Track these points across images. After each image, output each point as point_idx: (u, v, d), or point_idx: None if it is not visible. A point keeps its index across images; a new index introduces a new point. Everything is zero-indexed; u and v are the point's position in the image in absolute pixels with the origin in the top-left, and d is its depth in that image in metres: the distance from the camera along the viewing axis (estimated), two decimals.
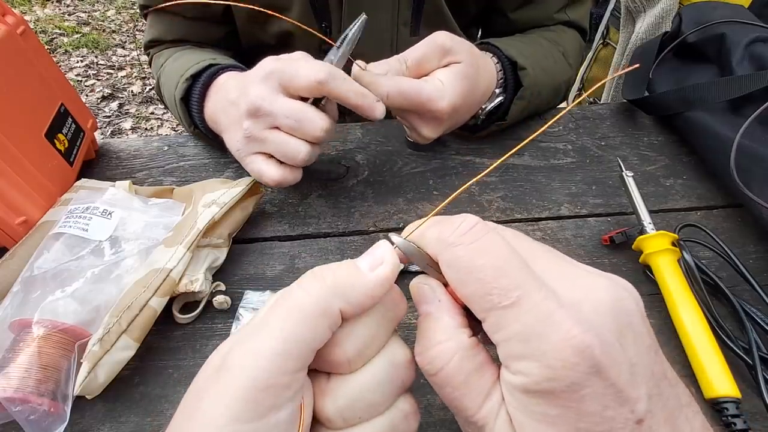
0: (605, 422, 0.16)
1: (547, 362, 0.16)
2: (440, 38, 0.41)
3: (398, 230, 0.45)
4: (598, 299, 0.17)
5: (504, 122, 0.50)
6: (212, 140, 0.50)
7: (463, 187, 0.25)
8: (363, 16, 0.40)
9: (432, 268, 0.20)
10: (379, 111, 0.39)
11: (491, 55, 0.49)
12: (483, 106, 0.48)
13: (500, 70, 0.49)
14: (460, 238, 0.19)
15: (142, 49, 0.64)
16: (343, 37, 0.40)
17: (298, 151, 0.39)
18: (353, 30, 0.40)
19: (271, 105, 0.38)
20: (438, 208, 0.23)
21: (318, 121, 0.38)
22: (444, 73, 0.41)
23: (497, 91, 0.48)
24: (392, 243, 0.21)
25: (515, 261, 0.18)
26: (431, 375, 0.19)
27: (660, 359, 0.18)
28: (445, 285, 0.21)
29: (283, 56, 0.40)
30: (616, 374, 0.16)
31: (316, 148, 0.40)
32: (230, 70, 0.47)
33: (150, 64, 0.63)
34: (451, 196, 0.23)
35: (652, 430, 0.16)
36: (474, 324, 0.20)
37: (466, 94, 0.42)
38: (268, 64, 0.39)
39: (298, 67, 0.38)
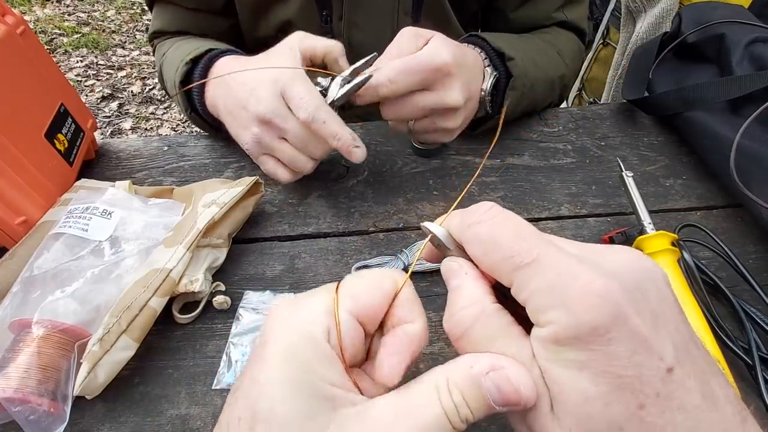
0: (634, 367, 0.16)
1: (571, 307, 0.17)
2: (407, 30, 0.42)
3: (399, 230, 0.45)
4: (618, 259, 0.18)
5: (501, 112, 0.48)
6: (210, 125, 0.50)
7: (467, 184, 0.25)
8: (374, 54, 0.41)
9: (460, 250, 0.22)
10: (355, 155, 0.41)
11: (473, 46, 0.49)
12: (483, 88, 0.47)
13: (485, 58, 0.48)
14: (479, 218, 0.21)
15: (147, 39, 0.66)
16: (351, 71, 0.41)
17: (305, 165, 0.43)
18: (360, 65, 0.41)
19: (283, 123, 0.40)
20: (461, 195, 0.23)
21: (323, 145, 0.41)
22: (427, 44, 0.41)
23: (489, 69, 0.47)
24: (427, 230, 0.23)
25: (531, 229, 0.20)
26: (456, 339, 0.20)
27: (686, 321, 0.18)
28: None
29: (288, 56, 0.41)
30: (640, 320, 0.17)
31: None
32: (229, 55, 0.48)
33: (154, 54, 0.65)
34: (471, 181, 0.24)
35: (683, 382, 0.16)
36: (503, 302, 0.21)
37: (457, 53, 0.41)
38: (276, 69, 0.41)
39: (296, 94, 0.39)
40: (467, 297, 0.20)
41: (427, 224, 0.23)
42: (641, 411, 0.16)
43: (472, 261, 0.22)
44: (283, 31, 0.61)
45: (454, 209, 0.23)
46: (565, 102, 0.94)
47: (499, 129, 0.31)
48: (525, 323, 0.19)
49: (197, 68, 0.47)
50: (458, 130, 0.46)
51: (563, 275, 0.18)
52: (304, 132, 0.40)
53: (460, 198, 0.25)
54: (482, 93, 0.47)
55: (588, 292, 0.17)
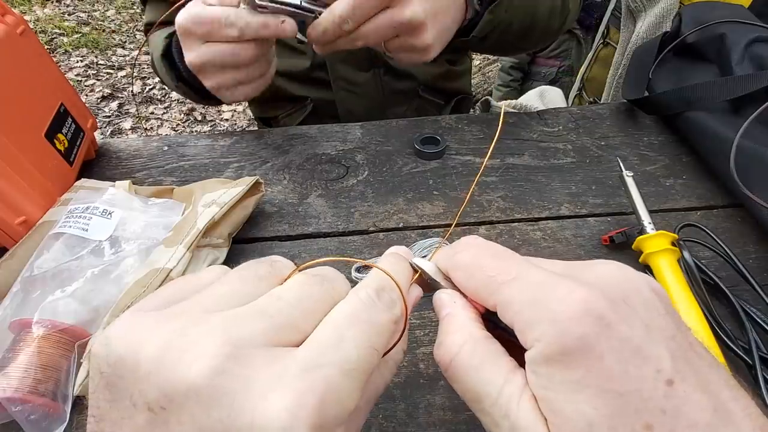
0: (632, 382, 0.15)
1: (555, 320, 0.16)
2: None
3: (400, 230, 0.45)
4: (599, 271, 0.18)
5: (497, 2, 0.46)
6: (199, 92, 0.50)
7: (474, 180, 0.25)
8: None
9: (449, 282, 0.23)
10: (285, 30, 0.39)
11: None
12: None
13: None
14: (462, 248, 0.22)
15: (143, 32, 0.69)
16: None
17: (246, 52, 0.41)
18: None
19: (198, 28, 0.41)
20: (464, 202, 0.23)
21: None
22: None
23: None
24: (417, 266, 0.24)
25: (511, 252, 0.20)
26: (445, 368, 0.20)
27: (683, 330, 0.17)
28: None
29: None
30: (628, 329, 0.16)
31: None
32: None
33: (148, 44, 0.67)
34: (472, 186, 0.24)
35: (688, 396, 0.15)
36: (496, 333, 0.20)
37: None
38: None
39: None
40: (455, 324, 0.20)
41: (416, 260, 0.24)
42: None
43: (462, 294, 0.22)
44: None
45: (458, 217, 0.24)
46: (565, 102, 0.94)
47: (500, 127, 0.31)
48: (518, 356, 0.18)
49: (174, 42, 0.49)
50: (436, 47, 0.43)
51: (543, 288, 0.17)
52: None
53: (464, 204, 0.25)
54: None
55: (570, 301, 0.16)
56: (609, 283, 0.17)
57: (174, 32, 0.48)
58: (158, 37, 0.56)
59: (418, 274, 0.23)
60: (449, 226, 0.45)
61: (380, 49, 0.44)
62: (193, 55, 0.43)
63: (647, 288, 0.17)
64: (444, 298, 0.22)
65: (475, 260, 0.20)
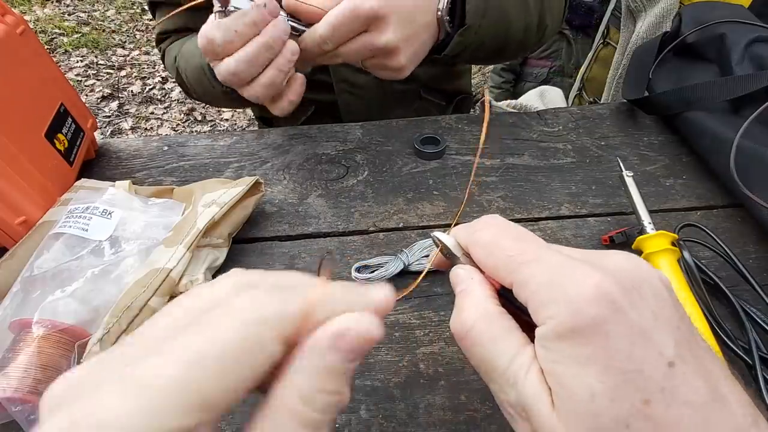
0: (636, 362, 0.16)
1: (570, 300, 0.17)
2: None
3: (399, 230, 0.45)
4: (614, 260, 0.19)
5: (466, 27, 0.46)
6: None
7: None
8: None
9: (467, 258, 0.24)
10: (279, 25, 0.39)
11: None
12: (439, 8, 0.45)
13: None
14: (483, 225, 0.23)
15: (155, 41, 0.70)
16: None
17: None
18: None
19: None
20: (465, 197, 0.24)
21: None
22: None
23: None
24: (437, 240, 0.24)
25: (531, 234, 0.21)
26: (461, 339, 0.21)
27: (689, 325, 0.18)
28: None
29: None
30: (638, 315, 0.17)
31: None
32: None
33: (163, 59, 0.68)
34: (470, 181, 0.24)
35: (687, 379, 0.16)
36: (509, 309, 0.21)
37: None
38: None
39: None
40: (471, 299, 0.21)
41: (437, 234, 0.25)
42: (647, 407, 0.16)
43: (479, 269, 0.23)
44: None
45: (461, 211, 0.25)
46: (565, 102, 0.94)
47: (486, 120, 0.30)
48: (528, 332, 0.20)
49: None
50: (408, 67, 0.45)
51: (562, 271, 0.18)
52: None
53: (465, 200, 0.26)
54: (439, 13, 0.45)
55: (586, 284, 0.17)
56: (623, 272, 0.18)
57: None
58: (187, 48, 0.57)
59: (439, 249, 0.25)
60: (449, 226, 0.45)
61: (357, 65, 0.46)
62: (218, 71, 0.42)
63: (658, 280, 0.19)
64: (461, 273, 0.23)
65: (496, 239, 0.21)
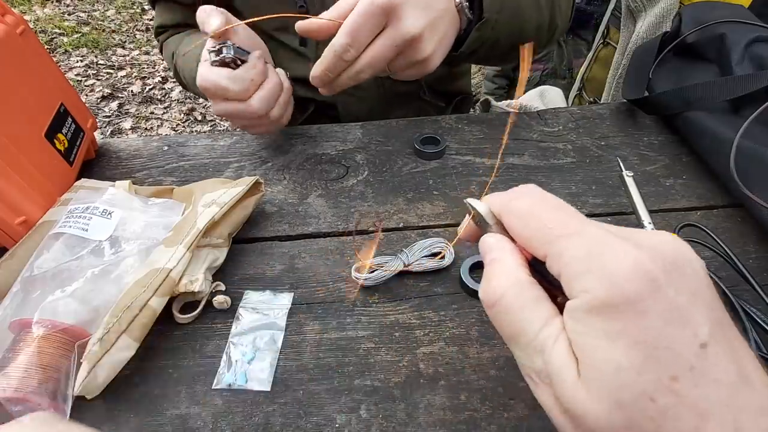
0: (668, 338, 0.16)
1: (608, 275, 0.17)
2: None
3: (400, 230, 0.45)
4: (658, 239, 0.19)
5: (484, 20, 0.46)
6: None
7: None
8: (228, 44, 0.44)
9: (499, 226, 0.23)
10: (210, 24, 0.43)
11: None
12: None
13: None
14: (519, 195, 0.22)
15: (154, 34, 0.73)
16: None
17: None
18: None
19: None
20: (489, 182, 0.23)
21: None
22: None
23: None
24: (470, 205, 0.24)
25: (570, 207, 0.21)
26: (490, 306, 0.21)
27: (721, 306, 0.18)
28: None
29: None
30: (676, 294, 0.17)
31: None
32: None
33: (161, 50, 0.72)
34: (492, 177, 0.24)
35: (717, 359, 0.16)
36: (540, 280, 0.21)
37: None
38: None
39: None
40: (502, 268, 0.21)
41: (470, 200, 0.24)
42: (674, 383, 0.16)
43: (510, 238, 0.22)
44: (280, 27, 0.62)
45: (488, 188, 0.25)
46: (565, 102, 0.94)
47: (509, 127, 0.31)
48: (557, 305, 0.20)
49: None
50: (435, 57, 0.44)
51: (601, 245, 0.18)
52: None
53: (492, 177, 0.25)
54: (457, 2, 0.45)
55: (626, 260, 0.17)
56: (665, 250, 0.18)
57: None
58: (186, 49, 0.60)
59: (471, 215, 0.24)
60: (450, 226, 0.45)
61: (383, 74, 0.45)
62: (214, 108, 0.47)
63: (698, 262, 0.18)
64: (492, 242, 0.23)
65: (534, 209, 0.21)
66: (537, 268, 0.21)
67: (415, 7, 0.41)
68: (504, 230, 0.23)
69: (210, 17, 0.44)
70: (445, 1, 0.44)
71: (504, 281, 0.21)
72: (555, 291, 0.20)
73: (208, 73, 0.44)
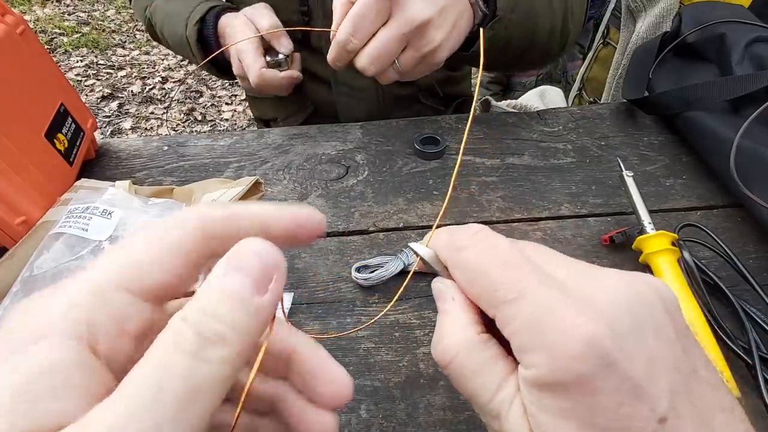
0: (622, 419, 0.15)
1: (554, 353, 0.16)
2: None
3: (399, 230, 0.45)
4: (613, 290, 0.17)
5: (497, 19, 0.46)
6: (222, 70, 0.61)
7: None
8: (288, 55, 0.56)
9: (447, 271, 0.22)
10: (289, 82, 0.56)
11: None
12: None
13: None
14: (466, 242, 0.20)
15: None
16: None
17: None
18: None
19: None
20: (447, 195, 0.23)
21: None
22: None
23: None
24: (414, 251, 0.23)
25: (519, 258, 0.18)
26: (444, 366, 0.20)
27: (690, 356, 0.17)
28: None
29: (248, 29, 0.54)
30: (631, 367, 0.15)
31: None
32: (227, 12, 0.57)
33: (130, 3, 0.72)
34: (452, 180, 0.24)
35: (677, 430, 0.15)
36: (493, 327, 0.20)
37: None
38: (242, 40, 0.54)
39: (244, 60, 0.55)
40: (452, 325, 0.20)
41: (414, 245, 0.23)
42: None
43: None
44: None
45: (437, 226, 0.23)
46: (565, 102, 0.94)
47: (472, 110, 0.30)
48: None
49: (207, 25, 0.57)
50: (447, 46, 0.43)
51: (547, 315, 0.16)
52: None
53: (444, 206, 0.25)
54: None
55: (573, 337, 0.15)
56: (622, 310, 0.16)
57: (205, 15, 0.57)
58: (166, 7, 0.63)
59: (418, 259, 0.23)
60: (446, 226, 0.45)
61: (392, 74, 0.44)
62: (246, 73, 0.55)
63: (662, 310, 0.17)
64: (442, 290, 0.21)
65: (480, 264, 0.19)
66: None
67: None
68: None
69: (262, 18, 0.54)
70: None
71: (454, 342, 0.19)
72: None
73: (270, 77, 0.54)
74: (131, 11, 2.83)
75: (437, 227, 0.23)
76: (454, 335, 0.19)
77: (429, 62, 0.44)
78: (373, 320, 0.29)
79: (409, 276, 0.28)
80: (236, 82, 0.62)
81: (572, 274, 0.18)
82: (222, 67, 0.60)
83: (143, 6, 0.67)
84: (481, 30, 0.35)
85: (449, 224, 0.45)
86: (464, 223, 0.22)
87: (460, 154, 0.26)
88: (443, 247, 0.21)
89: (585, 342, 0.15)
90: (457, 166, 0.26)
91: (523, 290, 0.17)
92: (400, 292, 0.25)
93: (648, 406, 0.15)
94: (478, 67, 0.54)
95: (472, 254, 0.19)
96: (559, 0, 0.52)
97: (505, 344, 0.19)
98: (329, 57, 0.43)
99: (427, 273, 0.41)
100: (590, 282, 0.18)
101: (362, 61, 0.41)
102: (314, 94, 0.69)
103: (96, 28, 2.63)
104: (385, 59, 0.41)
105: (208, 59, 0.56)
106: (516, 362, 0.18)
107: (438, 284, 0.22)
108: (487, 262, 0.19)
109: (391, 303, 0.29)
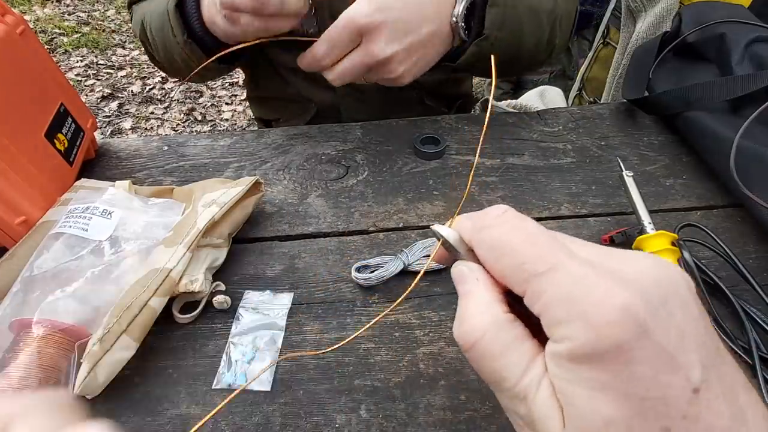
0: (659, 388, 0.15)
1: (591, 322, 0.16)
2: None
3: (400, 230, 0.45)
4: (640, 267, 0.17)
5: (484, 37, 0.47)
6: (205, 51, 0.50)
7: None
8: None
9: (471, 254, 0.21)
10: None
11: None
12: (453, 12, 0.45)
13: None
14: (492, 221, 0.20)
15: (126, 7, 0.66)
16: None
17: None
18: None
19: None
20: (464, 194, 0.23)
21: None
22: None
23: None
24: (437, 233, 0.22)
25: (547, 235, 0.19)
26: (467, 349, 0.19)
27: (712, 334, 0.17)
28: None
29: None
30: (665, 336, 0.15)
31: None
32: None
33: (131, 20, 0.64)
34: (470, 180, 0.24)
35: (710, 403, 0.15)
36: (517, 309, 0.20)
37: (378, 4, 0.41)
38: None
39: None
40: (477, 305, 0.19)
41: (437, 227, 0.22)
42: None
43: (483, 265, 0.21)
44: None
45: (458, 212, 0.23)
46: (565, 102, 0.94)
47: (487, 118, 0.30)
48: (541, 333, 0.18)
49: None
50: (408, 77, 0.46)
51: (581, 286, 0.16)
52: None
53: (463, 199, 0.25)
54: (453, 20, 0.45)
55: (609, 305, 0.15)
56: (650, 284, 0.16)
57: None
58: (155, 5, 0.54)
59: (440, 242, 0.22)
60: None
61: (360, 81, 0.48)
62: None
63: (686, 288, 0.17)
64: (465, 272, 0.21)
65: (507, 241, 0.19)
66: (515, 295, 0.20)
67: (393, 30, 0.42)
68: (476, 257, 0.21)
69: None
70: (435, 23, 0.45)
71: (479, 322, 0.19)
72: (536, 319, 0.19)
73: None
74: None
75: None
76: (479, 315, 0.19)
77: (391, 84, 0.47)
78: (373, 321, 0.29)
79: (420, 275, 0.27)
80: (236, 83, 0.57)
81: (598, 253, 0.18)
82: (208, 48, 0.50)
83: (140, 14, 0.61)
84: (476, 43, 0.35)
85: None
86: None
87: (477, 155, 0.26)
88: (468, 228, 0.21)
89: (623, 310, 0.15)
90: (473, 165, 0.25)
91: (555, 263, 0.17)
92: (408, 291, 0.25)
93: (683, 375, 0.15)
94: (468, 74, 0.53)
95: (498, 231, 0.19)
96: (548, 14, 0.52)
97: (529, 326, 0.19)
98: (302, 61, 0.45)
99: (426, 273, 0.41)
100: (617, 260, 0.18)
101: (330, 75, 0.45)
102: (316, 97, 0.69)
103: (96, 28, 2.63)
104: (350, 78, 0.45)
105: (214, 58, 0.48)
106: (541, 344, 0.18)
107: (461, 267, 0.21)
108: (513, 238, 0.19)
109: (396, 303, 0.29)
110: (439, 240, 0.22)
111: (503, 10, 0.47)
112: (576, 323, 0.16)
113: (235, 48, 0.47)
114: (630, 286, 0.16)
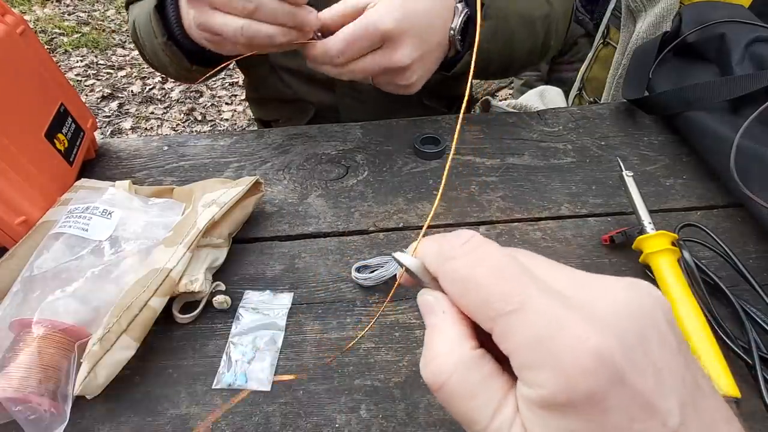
0: None
1: (563, 370, 0.15)
2: None
3: (400, 230, 0.45)
4: (613, 299, 0.16)
5: (473, 46, 0.46)
6: (186, 54, 0.48)
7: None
8: None
9: (436, 282, 0.20)
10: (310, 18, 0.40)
11: None
12: (452, 26, 0.46)
13: None
14: (456, 251, 0.19)
15: (124, 7, 0.65)
16: None
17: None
18: None
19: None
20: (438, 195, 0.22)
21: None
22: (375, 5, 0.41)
23: (459, 6, 0.46)
24: (399, 261, 0.21)
25: (515, 267, 0.17)
26: (435, 390, 0.18)
27: (691, 367, 0.16)
28: None
29: None
30: (641, 380, 0.15)
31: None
32: None
33: (128, 21, 0.64)
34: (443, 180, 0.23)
35: None
36: (487, 342, 0.19)
37: (404, 13, 0.40)
38: None
39: None
40: (444, 342, 0.18)
41: (399, 255, 0.21)
42: None
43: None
44: None
45: (423, 234, 0.21)
46: (565, 102, 0.94)
47: (461, 113, 0.29)
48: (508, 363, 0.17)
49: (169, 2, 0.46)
50: (418, 85, 0.47)
51: (551, 328, 0.15)
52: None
53: (434, 209, 0.25)
54: (451, 32, 0.46)
55: (582, 351, 0.14)
56: (624, 319, 0.15)
57: None
58: (142, 5, 0.54)
59: (403, 270, 0.21)
60: (450, 226, 0.45)
61: (366, 81, 0.47)
62: (202, 18, 0.40)
63: (663, 320, 0.16)
64: (431, 302, 0.19)
65: (472, 276, 0.18)
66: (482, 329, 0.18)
67: (413, 37, 0.42)
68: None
69: None
70: (440, 34, 0.45)
71: (446, 362, 0.18)
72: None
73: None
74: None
75: (424, 235, 0.21)
76: (446, 353, 0.18)
77: (399, 90, 0.47)
78: (371, 323, 0.29)
79: (396, 285, 0.26)
80: (236, 83, 0.55)
81: (568, 283, 0.17)
82: (189, 51, 0.48)
83: (132, 19, 0.62)
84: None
85: (449, 224, 0.45)
86: (464, 224, 0.21)
87: (452, 153, 0.26)
88: (432, 256, 0.20)
89: (595, 356, 0.14)
90: (447, 167, 0.25)
91: (523, 301, 0.16)
92: (390, 295, 0.24)
93: (660, 421, 0.15)
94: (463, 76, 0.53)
95: (463, 264, 0.18)
96: (543, 19, 0.53)
97: (497, 357, 0.18)
98: (310, 53, 0.42)
99: None
100: (589, 291, 0.17)
101: (336, 71, 0.44)
102: (315, 98, 0.69)
103: (96, 28, 2.63)
104: (360, 77, 0.44)
105: (210, 74, 0.47)
106: (512, 377, 0.17)
107: (427, 296, 0.20)
108: (479, 273, 0.18)
109: (384, 305, 0.29)
110: (402, 267, 0.21)
111: (495, 23, 0.48)
112: (547, 371, 0.15)
113: (228, 63, 0.46)
114: (604, 326, 0.15)
